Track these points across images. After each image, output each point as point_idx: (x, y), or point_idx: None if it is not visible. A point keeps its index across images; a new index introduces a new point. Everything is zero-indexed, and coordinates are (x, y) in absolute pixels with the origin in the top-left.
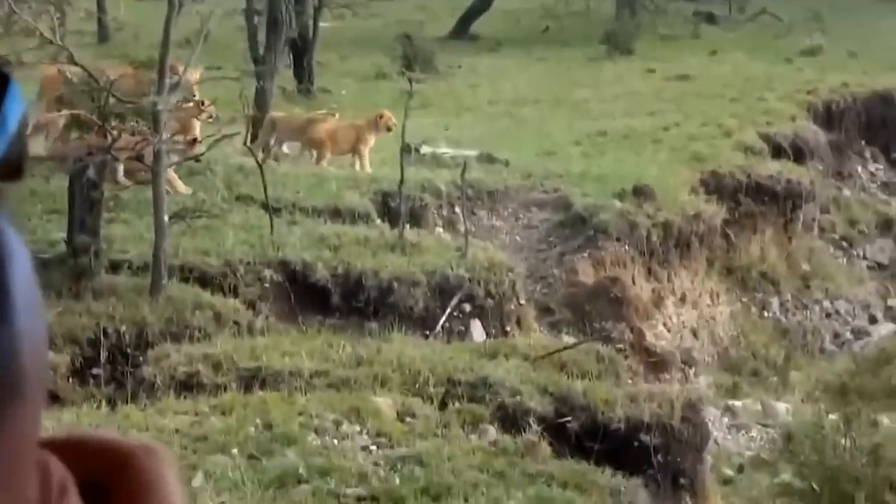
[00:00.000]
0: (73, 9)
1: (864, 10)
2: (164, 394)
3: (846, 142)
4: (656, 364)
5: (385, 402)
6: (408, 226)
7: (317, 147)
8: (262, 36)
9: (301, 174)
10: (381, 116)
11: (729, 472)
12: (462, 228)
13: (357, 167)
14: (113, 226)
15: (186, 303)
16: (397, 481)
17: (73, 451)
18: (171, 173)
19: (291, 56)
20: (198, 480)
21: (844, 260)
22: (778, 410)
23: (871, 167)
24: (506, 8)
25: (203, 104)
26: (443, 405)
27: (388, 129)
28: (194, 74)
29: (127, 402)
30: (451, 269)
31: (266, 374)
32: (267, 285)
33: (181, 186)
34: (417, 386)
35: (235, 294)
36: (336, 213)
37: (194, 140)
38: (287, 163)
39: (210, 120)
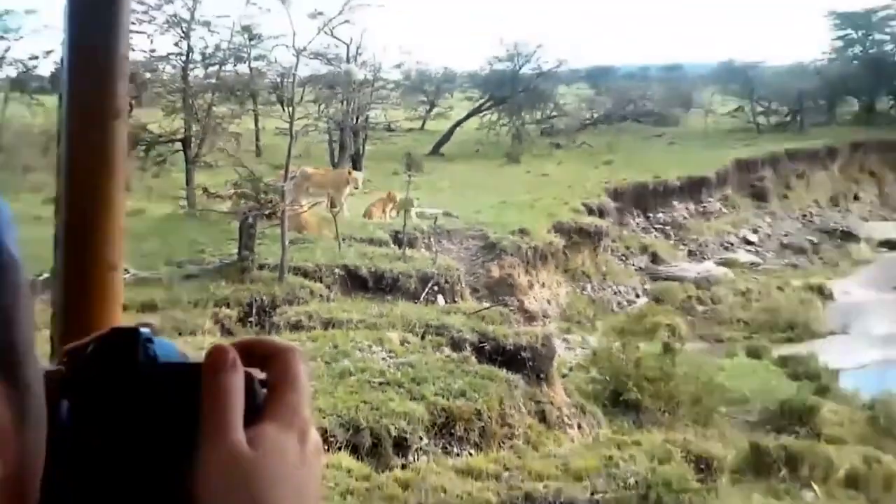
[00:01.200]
0: (243, 139)
1: (634, 143)
2: (284, 330)
3: (624, 207)
4: (529, 317)
5: (394, 335)
6: (407, 248)
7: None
8: (336, 152)
9: (354, 221)
10: (389, 194)
11: (565, 371)
12: (434, 249)
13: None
14: (261, 246)
15: (296, 285)
16: (399, 375)
17: (249, 348)
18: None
19: (351, 162)
20: None
21: (623, 266)
22: (590, 341)
23: (636, 220)
24: (458, 140)
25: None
26: (423, 337)
27: (392, 200)
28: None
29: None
30: (428, 269)
31: (335, 321)
32: (336, 277)
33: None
34: (410, 327)
35: (321, 281)
36: (371, 241)
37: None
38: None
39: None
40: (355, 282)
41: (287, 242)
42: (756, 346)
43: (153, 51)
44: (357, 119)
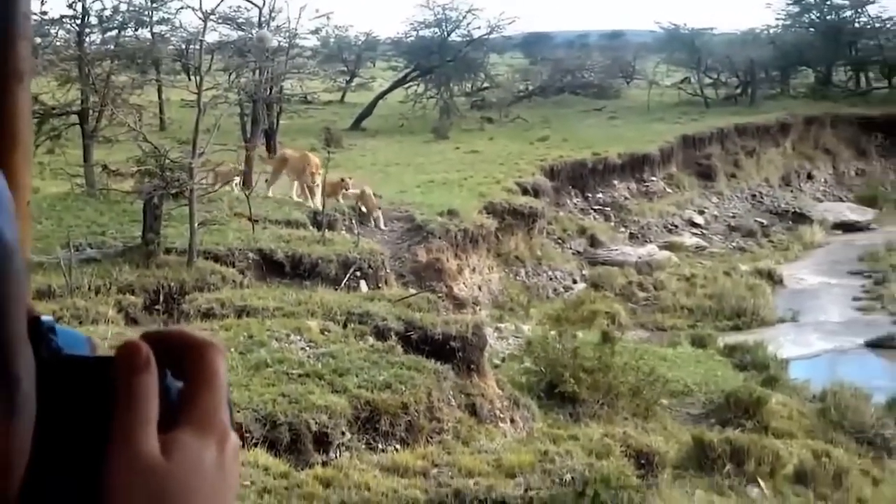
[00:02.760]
0: (146, 112)
1: (571, 117)
2: (194, 319)
3: (561, 186)
4: (459, 304)
5: (314, 324)
6: (327, 230)
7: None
8: (248, 127)
9: (269, 201)
10: (342, 180)
11: (497, 361)
12: (356, 232)
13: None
14: (168, 228)
15: (207, 270)
16: (320, 366)
17: (161, 342)
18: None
19: (264, 137)
20: None
21: (560, 249)
22: (523, 329)
23: (574, 200)
24: (380, 114)
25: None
26: (344, 325)
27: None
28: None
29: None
30: (350, 253)
31: (249, 309)
32: (250, 261)
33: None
34: (331, 315)
35: (233, 266)
36: (288, 223)
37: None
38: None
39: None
40: (271, 267)
41: (196, 224)
42: (701, 334)
43: (44, 13)
44: (271, 90)
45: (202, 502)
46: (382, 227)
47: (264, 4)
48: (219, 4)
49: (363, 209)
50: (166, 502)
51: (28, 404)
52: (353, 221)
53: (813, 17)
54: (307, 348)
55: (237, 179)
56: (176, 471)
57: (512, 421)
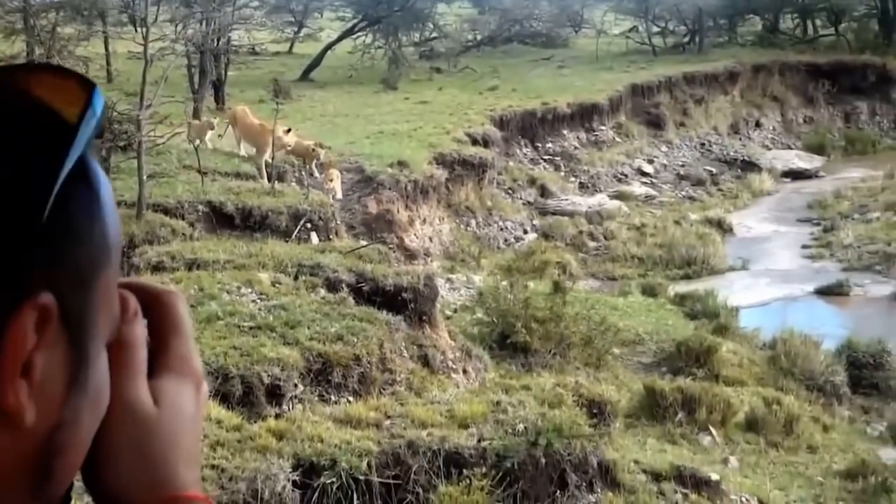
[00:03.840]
0: (93, 64)
1: (520, 67)
2: (144, 272)
3: (511, 136)
4: (410, 255)
5: (264, 276)
6: (277, 182)
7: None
8: (196, 78)
9: (218, 153)
10: (314, 149)
11: (449, 312)
12: (305, 183)
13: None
14: (116, 181)
15: (156, 223)
16: (271, 318)
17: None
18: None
19: (213, 89)
20: None
21: (510, 200)
22: (475, 280)
23: (524, 150)
24: (329, 64)
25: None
26: (296, 277)
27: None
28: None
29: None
30: (300, 205)
31: (200, 262)
32: (200, 214)
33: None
34: (282, 267)
35: (183, 218)
36: (238, 175)
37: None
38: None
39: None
40: (221, 219)
41: (145, 177)
42: (651, 283)
43: None
44: (218, 41)
45: (185, 443)
46: (339, 196)
47: None
48: None
49: (331, 183)
50: (154, 448)
51: (96, 391)
52: (303, 174)
53: None
54: (258, 301)
55: (209, 133)
56: (164, 417)
57: (464, 372)
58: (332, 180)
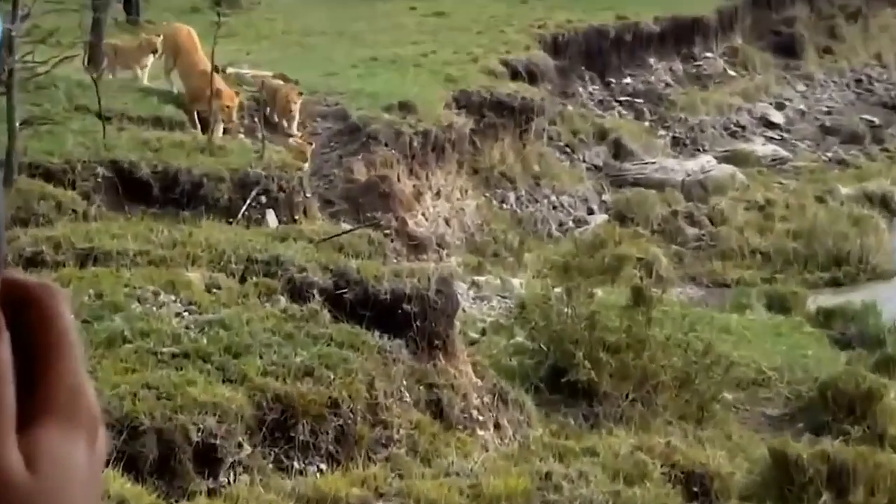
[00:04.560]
0: None
1: None
2: (12, 267)
3: (570, 67)
4: (416, 246)
5: (195, 277)
6: (216, 133)
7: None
8: None
9: (129, 89)
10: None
11: (474, 334)
12: (260, 135)
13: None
14: None
15: (33, 194)
16: (205, 341)
17: None
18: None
19: None
20: None
21: (568, 163)
22: (514, 285)
23: (590, 88)
24: None
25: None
26: (243, 279)
27: None
28: None
29: None
30: (251, 167)
31: (98, 253)
32: (99, 180)
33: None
34: (222, 263)
35: (73, 187)
36: (157, 121)
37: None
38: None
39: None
40: (131, 188)
41: (18, 124)
42: (782, 292)
43: None
44: None
45: None
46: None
47: None
48: None
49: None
50: None
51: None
52: (256, 120)
53: None
54: (186, 314)
55: (149, 59)
56: (44, 485)
57: (497, 426)
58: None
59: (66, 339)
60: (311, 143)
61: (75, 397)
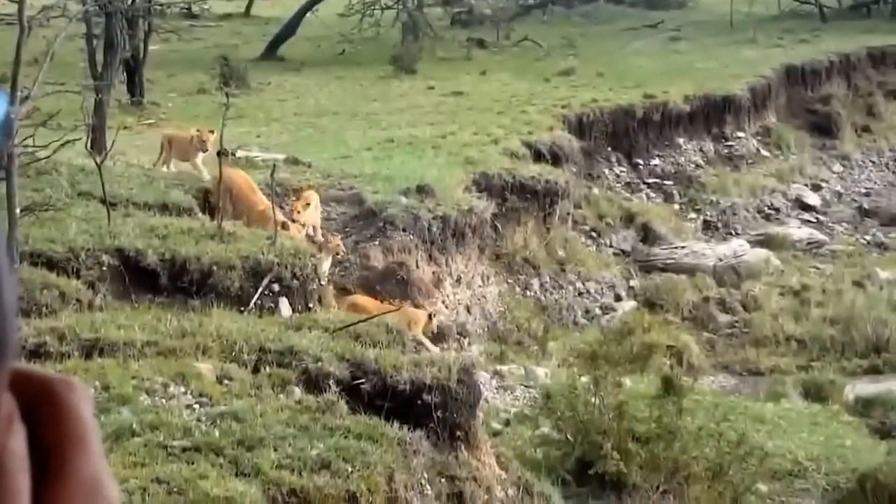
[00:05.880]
0: None
1: (610, 38)
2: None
3: (595, 148)
4: (437, 335)
5: (206, 368)
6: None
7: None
8: (100, 56)
9: (134, 174)
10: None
11: (497, 425)
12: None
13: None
14: None
15: (35, 283)
16: (217, 434)
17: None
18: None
19: (125, 73)
20: None
21: (594, 247)
22: (538, 374)
23: (616, 169)
24: (308, 34)
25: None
26: (255, 370)
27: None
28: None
29: None
30: (263, 254)
31: (104, 344)
32: (105, 269)
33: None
34: (234, 354)
35: (78, 276)
36: (164, 208)
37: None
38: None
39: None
40: (138, 277)
41: (18, 211)
42: (818, 381)
43: None
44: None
45: None
46: (317, 237)
47: None
48: None
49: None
50: None
51: (10, 355)
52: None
53: None
54: (196, 406)
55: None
56: None
57: None
58: (307, 204)
59: (84, 432)
60: (335, 234)
61: (94, 489)
